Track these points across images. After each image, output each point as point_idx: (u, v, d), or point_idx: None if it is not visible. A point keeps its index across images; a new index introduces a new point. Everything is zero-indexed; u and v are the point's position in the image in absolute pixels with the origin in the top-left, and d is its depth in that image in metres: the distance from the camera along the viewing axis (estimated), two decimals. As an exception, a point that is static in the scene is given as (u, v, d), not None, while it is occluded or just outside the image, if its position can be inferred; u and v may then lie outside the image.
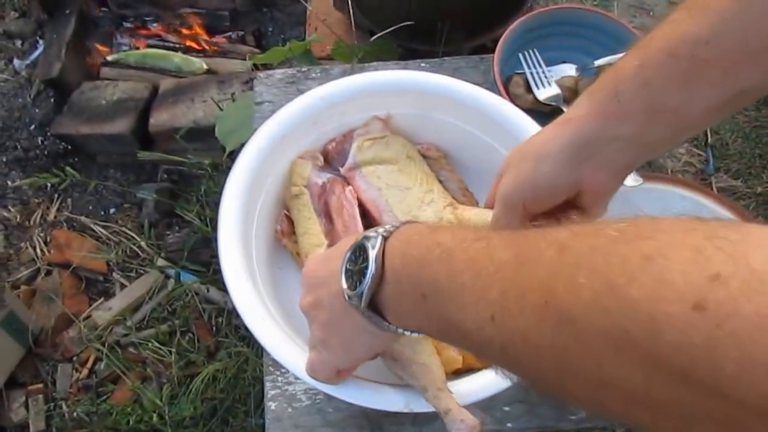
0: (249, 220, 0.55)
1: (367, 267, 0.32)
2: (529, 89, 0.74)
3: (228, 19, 1.46)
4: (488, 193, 0.47)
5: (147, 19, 1.44)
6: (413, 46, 1.19)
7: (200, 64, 1.31)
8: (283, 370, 0.61)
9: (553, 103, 0.71)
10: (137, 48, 1.41)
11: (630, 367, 0.19)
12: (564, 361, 0.22)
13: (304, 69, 0.83)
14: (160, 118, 1.26)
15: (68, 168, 1.03)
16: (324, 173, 0.60)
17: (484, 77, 0.81)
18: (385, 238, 0.33)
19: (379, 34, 0.98)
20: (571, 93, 0.73)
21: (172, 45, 1.40)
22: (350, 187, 0.58)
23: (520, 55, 0.75)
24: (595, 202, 0.42)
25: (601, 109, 0.39)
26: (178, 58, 1.32)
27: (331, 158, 0.63)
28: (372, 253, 0.32)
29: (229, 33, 1.44)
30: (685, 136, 0.40)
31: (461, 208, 0.57)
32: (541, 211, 0.42)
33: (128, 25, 1.45)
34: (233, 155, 0.94)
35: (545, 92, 0.73)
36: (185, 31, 1.44)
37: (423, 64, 0.84)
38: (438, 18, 1.10)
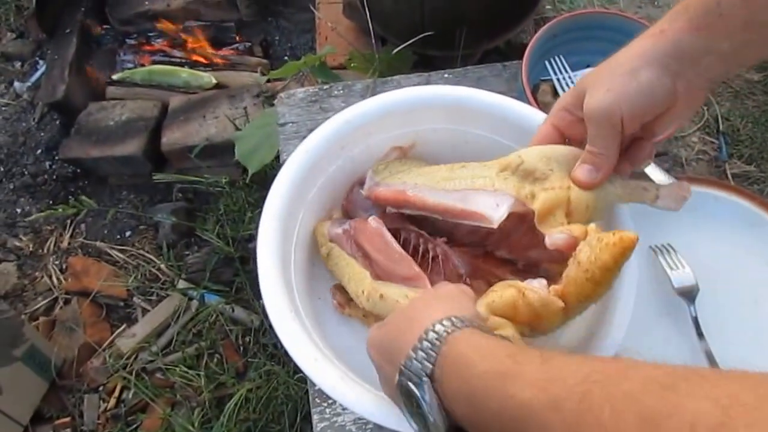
0: (287, 253, 0.53)
1: (423, 415, 0.32)
2: (556, 96, 0.73)
3: (234, 30, 1.43)
4: (532, 139, 0.47)
5: (150, 35, 1.41)
6: (428, 52, 1.18)
7: (209, 78, 1.28)
8: (330, 401, 0.59)
9: (581, 109, 0.70)
10: (142, 65, 1.38)
11: None
12: None
13: (325, 87, 0.81)
14: (172, 137, 1.23)
15: (82, 195, 1.01)
16: (344, 222, 0.58)
17: (508, 85, 0.80)
18: (430, 377, 0.32)
19: (398, 49, 0.96)
20: None
21: (178, 60, 1.37)
22: (372, 216, 0.56)
23: (546, 63, 0.74)
24: (684, 116, 0.42)
25: (699, 22, 0.39)
26: (185, 73, 1.29)
27: (349, 209, 0.60)
28: (425, 407, 0.32)
29: (236, 45, 1.41)
30: None
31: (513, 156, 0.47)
32: (636, 129, 0.42)
33: (131, 42, 1.41)
34: (255, 175, 0.92)
35: None
36: (191, 45, 1.40)
37: (446, 75, 0.82)
38: (451, 23, 1.08)
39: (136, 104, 1.28)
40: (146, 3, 1.40)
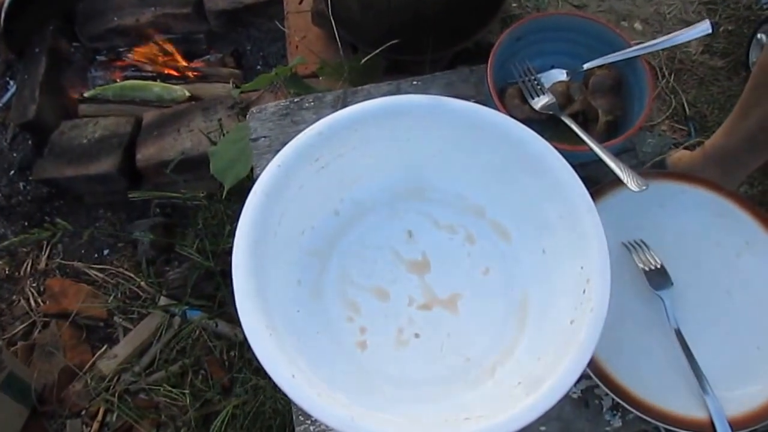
0: (261, 269, 0.52)
1: None
2: (523, 99, 0.73)
3: (204, 42, 1.42)
4: None
5: (121, 50, 1.39)
6: (398, 57, 1.18)
7: (182, 91, 1.27)
8: (314, 419, 0.58)
9: (549, 111, 0.71)
10: (114, 81, 1.36)
11: None
12: None
13: (296, 99, 0.81)
14: (146, 153, 1.22)
15: (57, 216, 0.99)
16: None
17: (477, 89, 0.80)
18: None
19: (366, 58, 0.96)
20: (564, 98, 0.74)
21: (149, 74, 1.35)
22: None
23: (512, 67, 0.75)
24: None
25: None
26: (158, 87, 1.28)
27: None
28: None
29: (207, 56, 1.40)
30: None
31: None
32: None
33: (102, 58, 1.40)
34: (231, 190, 0.91)
35: (540, 101, 0.72)
36: (162, 59, 1.39)
37: (415, 82, 0.82)
38: (418, 29, 1.08)
39: (108, 121, 1.26)
40: (115, 19, 1.38)
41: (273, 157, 0.55)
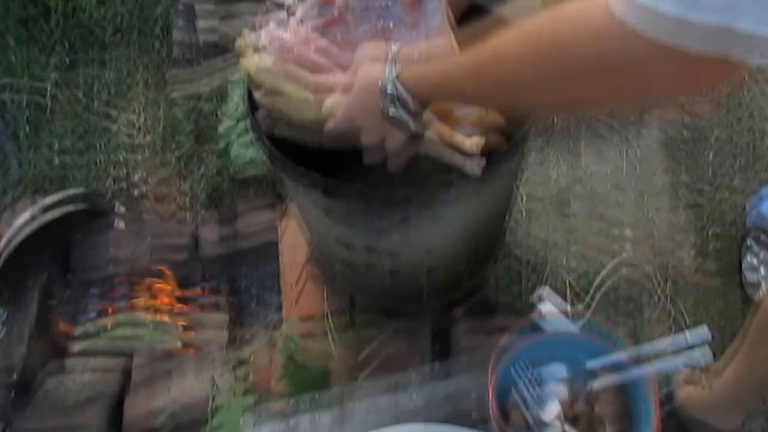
0: None
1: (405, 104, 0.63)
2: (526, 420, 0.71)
3: (200, 268, 1.42)
4: None
5: (114, 283, 1.39)
6: (396, 306, 1.17)
7: (176, 342, 1.25)
8: None
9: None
10: (106, 314, 1.34)
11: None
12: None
13: (291, 421, 0.78)
14: (134, 413, 1.17)
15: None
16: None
17: (478, 405, 0.78)
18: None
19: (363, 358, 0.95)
20: (569, 407, 0.72)
21: (142, 314, 1.34)
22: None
23: (511, 369, 0.74)
24: None
25: None
26: (149, 335, 1.26)
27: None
28: (404, 95, 0.62)
29: (203, 283, 1.40)
30: None
31: None
32: None
33: (95, 291, 1.39)
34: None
35: (547, 414, 0.70)
36: (157, 287, 1.38)
37: (414, 395, 0.81)
38: (419, 289, 1.08)
39: (95, 376, 1.22)
40: (111, 252, 1.39)
41: None
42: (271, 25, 0.79)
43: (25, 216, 1.32)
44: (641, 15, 0.38)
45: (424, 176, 1.08)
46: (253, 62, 0.77)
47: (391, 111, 0.62)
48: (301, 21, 0.79)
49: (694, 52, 0.37)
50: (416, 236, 0.89)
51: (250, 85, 0.81)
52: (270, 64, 0.75)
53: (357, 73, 0.68)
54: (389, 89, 0.61)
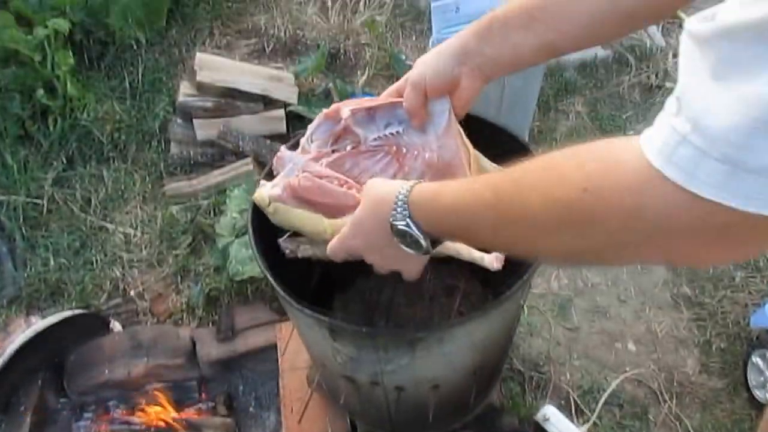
0: None
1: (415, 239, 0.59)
2: None
3: (196, 388, 1.38)
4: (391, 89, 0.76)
5: (109, 404, 1.35)
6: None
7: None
8: None
9: None
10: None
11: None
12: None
13: None
14: None
15: None
16: (275, 184, 0.76)
17: None
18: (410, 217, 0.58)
19: None
20: None
21: (138, 428, 1.29)
22: (304, 174, 0.75)
23: None
24: (465, 98, 0.70)
25: (478, 30, 0.66)
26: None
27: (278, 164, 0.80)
28: (415, 232, 0.58)
29: (199, 404, 1.36)
30: (521, 67, 0.67)
31: None
32: (436, 94, 0.71)
33: (89, 415, 1.34)
34: None
35: None
36: (152, 409, 1.34)
37: None
38: (424, 409, 1.05)
39: None
40: (106, 372, 1.36)
41: None
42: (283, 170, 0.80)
43: (19, 337, 1.30)
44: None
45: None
46: (264, 192, 0.76)
47: (402, 246, 0.59)
48: (311, 140, 0.79)
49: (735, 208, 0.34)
50: (422, 361, 0.88)
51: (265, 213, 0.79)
52: (280, 191, 0.74)
53: (365, 208, 0.63)
54: (400, 225, 0.58)
